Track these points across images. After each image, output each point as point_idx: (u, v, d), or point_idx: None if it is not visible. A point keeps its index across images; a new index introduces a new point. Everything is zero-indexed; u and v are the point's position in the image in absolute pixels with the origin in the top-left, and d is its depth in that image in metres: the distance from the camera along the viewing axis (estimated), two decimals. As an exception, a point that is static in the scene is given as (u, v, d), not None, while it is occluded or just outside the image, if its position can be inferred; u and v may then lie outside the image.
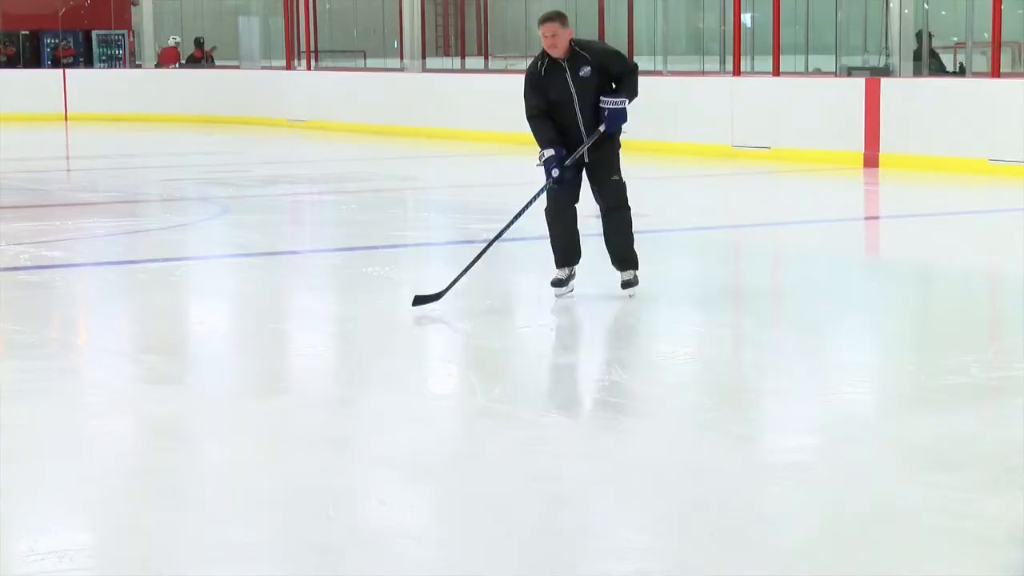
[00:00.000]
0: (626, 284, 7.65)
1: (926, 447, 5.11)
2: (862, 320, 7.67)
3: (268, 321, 7.71)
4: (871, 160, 15.46)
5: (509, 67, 24.93)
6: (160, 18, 29.96)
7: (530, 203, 7.63)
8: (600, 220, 7.69)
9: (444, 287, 7.42)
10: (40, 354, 6.79)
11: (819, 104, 16.29)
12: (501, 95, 20.44)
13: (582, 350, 6.64)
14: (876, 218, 13.07)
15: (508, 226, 7.63)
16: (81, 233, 11.13)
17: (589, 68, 7.33)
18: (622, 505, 4.43)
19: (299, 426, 5.47)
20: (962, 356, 6.47)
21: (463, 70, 26.17)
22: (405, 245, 10.54)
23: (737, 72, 17.92)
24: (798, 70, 19.78)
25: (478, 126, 19.91)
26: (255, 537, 4.25)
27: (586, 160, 7.44)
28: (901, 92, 15.62)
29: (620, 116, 7.38)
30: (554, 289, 7.61)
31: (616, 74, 7.41)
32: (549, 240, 7.64)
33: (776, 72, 17.27)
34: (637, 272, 7.65)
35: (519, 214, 7.59)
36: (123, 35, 31.07)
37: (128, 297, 8.50)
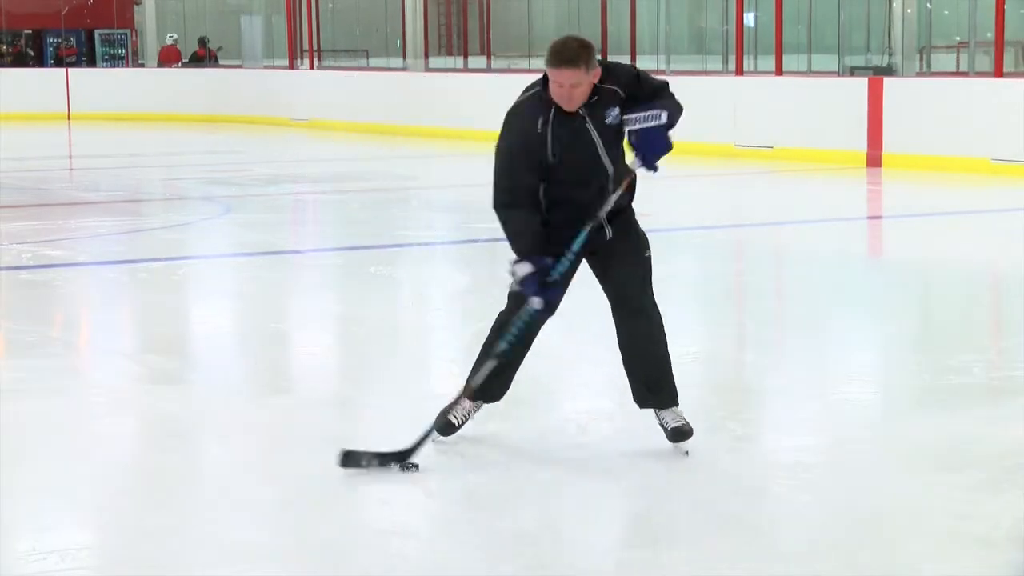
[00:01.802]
0: (678, 434, 4.96)
1: (928, 447, 5.11)
2: (864, 320, 7.66)
3: (270, 320, 7.71)
4: (874, 160, 15.45)
5: (512, 66, 24.92)
6: (163, 17, 29.99)
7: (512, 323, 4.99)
8: (618, 329, 5.02)
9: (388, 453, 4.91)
10: (41, 353, 6.79)
11: (822, 104, 16.29)
12: (504, 94, 20.47)
13: (583, 349, 6.63)
14: (879, 218, 13.07)
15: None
16: (83, 232, 11.14)
17: (617, 109, 4.75)
18: (623, 505, 4.43)
19: (301, 426, 5.47)
20: (965, 356, 6.47)
21: (466, 69, 26.16)
22: (407, 245, 10.54)
23: (740, 72, 17.92)
24: (801, 69, 19.77)
25: (481, 125, 19.83)
26: (257, 537, 4.25)
27: (607, 230, 4.87)
28: (904, 92, 15.61)
29: (661, 139, 4.73)
30: (451, 416, 5.06)
31: (641, 92, 4.81)
32: (479, 357, 5.07)
33: (779, 72, 17.27)
34: (679, 410, 5.03)
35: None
36: (126, 34, 31.09)
37: (130, 296, 8.51)
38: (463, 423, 5.05)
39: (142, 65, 29.23)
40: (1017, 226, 11.20)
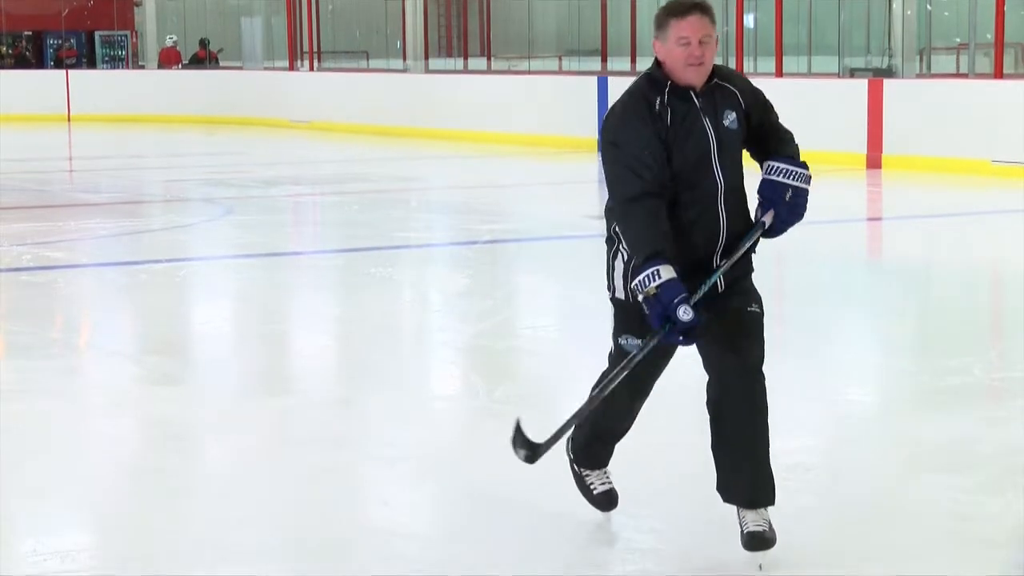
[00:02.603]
0: (755, 541, 3.93)
1: (928, 448, 5.11)
2: (865, 321, 7.66)
3: (270, 322, 7.71)
4: (874, 161, 15.45)
5: (512, 67, 24.93)
6: (163, 19, 30.00)
7: (634, 357, 4.09)
8: (714, 398, 4.12)
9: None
10: (42, 355, 6.79)
11: (822, 105, 16.27)
12: (504, 96, 20.51)
13: (583, 350, 6.63)
14: (879, 219, 13.07)
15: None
16: (84, 234, 11.13)
17: (735, 114, 4.00)
18: (624, 506, 4.42)
19: (302, 426, 5.47)
20: (965, 357, 6.47)
21: (466, 71, 26.18)
22: (407, 246, 10.54)
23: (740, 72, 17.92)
24: (801, 71, 19.77)
25: (481, 127, 19.92)
26: (258, 537, 4.25)
27: (719, 282, 3.98)
28: (904, 93, 15.61)
29: (804, 206, 4.15)
30: (601, 486, 4.35)
31: (769, 124, 4.18)
32: (584, 425, 4.31)
33: (779, 73, 17.26)
34: (766, 512, 3.97)
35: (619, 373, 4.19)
36: (126, 36, 31.11)
37: (130, 298, 8.50)
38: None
39: (142, 66, 29.24)
40: (1017, 227, 11.20)
